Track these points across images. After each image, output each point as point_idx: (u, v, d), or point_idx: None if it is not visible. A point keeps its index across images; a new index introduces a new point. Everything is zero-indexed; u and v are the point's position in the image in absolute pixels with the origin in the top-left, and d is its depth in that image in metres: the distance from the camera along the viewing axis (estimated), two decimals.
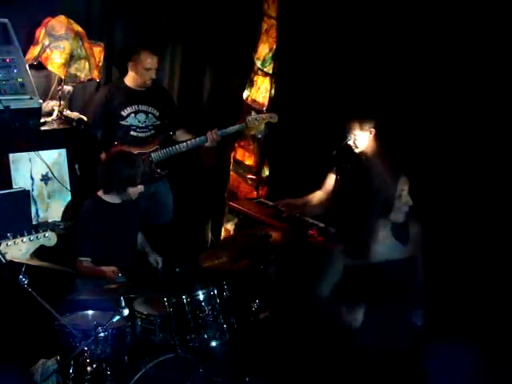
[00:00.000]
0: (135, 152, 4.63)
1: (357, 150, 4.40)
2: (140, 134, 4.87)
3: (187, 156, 5.15)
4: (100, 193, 4.15)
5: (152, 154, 4.81)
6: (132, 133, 4.85)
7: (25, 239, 3.03)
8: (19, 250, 3.02)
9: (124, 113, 4.84)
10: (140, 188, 4.10)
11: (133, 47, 4.90)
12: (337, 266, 3.39)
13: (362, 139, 4.37)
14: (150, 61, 4.77)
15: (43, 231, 3.09)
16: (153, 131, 4.91)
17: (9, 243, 3.00)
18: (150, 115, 4.90)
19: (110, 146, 4.61)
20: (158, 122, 4.94)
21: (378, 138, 4.39)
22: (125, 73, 4.93)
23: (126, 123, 4.83)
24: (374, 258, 3.31)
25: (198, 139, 4.86)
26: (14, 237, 3.01)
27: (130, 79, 4.88)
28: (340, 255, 3.37)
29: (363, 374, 3.30)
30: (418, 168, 4.43)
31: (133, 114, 4.85)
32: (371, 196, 3.32)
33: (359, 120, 4.34)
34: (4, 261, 2.96)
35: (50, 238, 3.11)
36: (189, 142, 4.86)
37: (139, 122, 4.87)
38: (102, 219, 4.09)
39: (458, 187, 4.43)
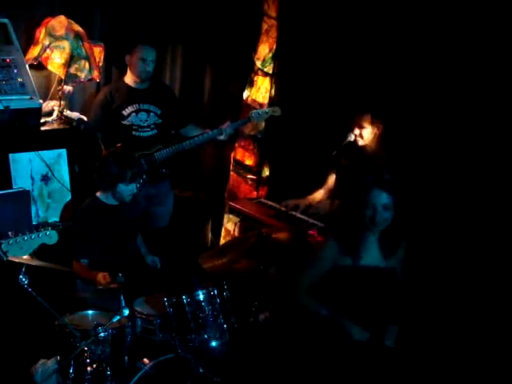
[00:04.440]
0: (138, 153, 4.65)
1: (360, 143, 4.42)
2: (142, 134, 4.85)
3: (187, 156, 5.15)
4: (99, 193, 4.15)
5: (155, 154, 4.80)
6: (134, 133, 4.83)
7: (26, 237, 3.03)
8: (20, 248, 3.02)
9: (125, 112, 4.82)
10: (132, 188, 4.08)
11: (131, 43, 4.88)
12: (326, 260, 3.46)
13: (368, 134, 4.40)
14: (145, 51, 4.74)
15: (44, 229, 3.08)
16: (155, 130, 4.89)
17: (10, 242, 3.00)
18: (151, 114, 4.88)
19: (112, 147, 4.62)
20: (160, 121, 4.91)
21: (382, 136, 4.42)
22: (125, 73, 4.93)
23: (128, 123, 4.82)
24: (360, 261, 3.39)
25: (210, 133, 4.83)
26: (16, 235, 3.02)
27: (128, 76, 4.85)
28: (333, 250, 3.41)
29: (362, 374, 3.30)
30: (418, 170, 4.48)
31: (134, 114, 4.83)
32: (363, 202, 3.36)
33: (371, 114, 4.37)
34: (5, 259, 2.96)
35: (50, 236, 3.10)
36: (196, 139, 4.84)
37: (141, 121, 4.85)
38: (99, 220, 4.09)
39: (459, 190, 4.43)
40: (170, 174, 5.00)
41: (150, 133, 4.88)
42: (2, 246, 2.98)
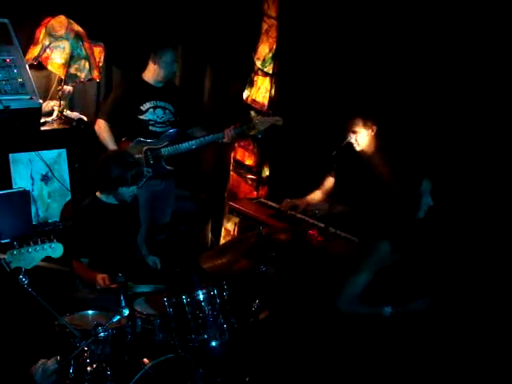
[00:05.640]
0: (147, 146, 4.73)
1: (358, 148, 4.42)
2: (159, 129, 4.93)
3: (188, 156, 5.15)
4: (99, 193, 4.15)
5: (162, 150, 4.85)
6: (151, 128, 4.91)
7: (30, 249, 3.00)
8: (23, 260, 3.00)
9: (143, 107, 4.90)
10: (133, 189, 4.09)
11: (155, 43, 4.95)
12: (378, 263, 3.39)
13: (363, 136, 4.39)
14: (174, 53, 4.91)
15: (49, 241, 3.06)
16: (169, 127, 4.98)
17: (14, 252, 2.98)
18: (167, 111, 4.98)
19: (119, 140, 4.74)
20: (174, 118, 5.02)
21: (378, 136, 4.41)
22: (126, 72, 4.97)
23: (145, 118, 4.90)
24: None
25: (214, 135, 4.97)
26: (20, 246, 2.99)
27: (150, 74, 4.92)
28: (386, 250, 3.37)
29: (362, 374, 3.30)
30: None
31: (152, 109, 4.92)
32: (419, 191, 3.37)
33: (362, 117, 4.37)
34: (8, 270, 2.95)
35: (55, 249, 3.08)
36: (202, 139, 4.95)
37: (158, 117, 4.94)
38: (100, 219, 4.08)
39: (459, 188, 4.43)
40: (175, 173, 5.05)
41: (165, 129, 4.96)
42: (6, 256, 2.96)
